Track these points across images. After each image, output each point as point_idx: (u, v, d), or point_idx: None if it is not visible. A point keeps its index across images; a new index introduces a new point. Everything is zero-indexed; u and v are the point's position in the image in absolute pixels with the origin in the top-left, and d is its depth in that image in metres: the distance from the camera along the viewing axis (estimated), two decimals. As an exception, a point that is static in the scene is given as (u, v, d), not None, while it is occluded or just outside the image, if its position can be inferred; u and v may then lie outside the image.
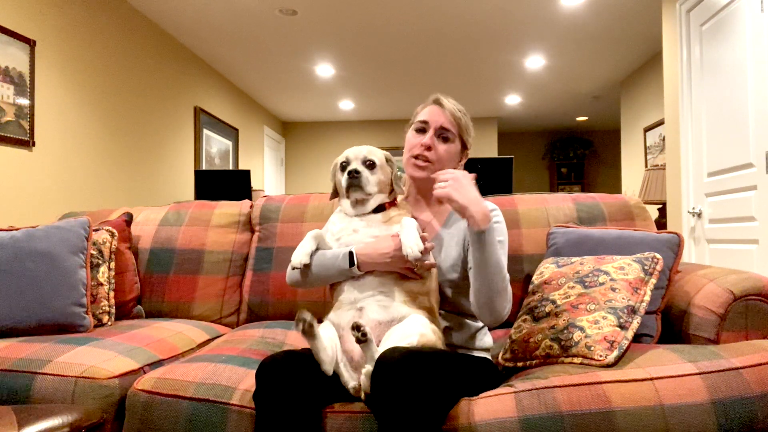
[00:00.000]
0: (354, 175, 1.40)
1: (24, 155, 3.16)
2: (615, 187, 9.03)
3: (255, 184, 7.03)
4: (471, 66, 5.90)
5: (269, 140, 8.06)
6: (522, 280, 1.86)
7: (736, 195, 2.88)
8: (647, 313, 1.49)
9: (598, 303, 1.38)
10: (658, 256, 1.47)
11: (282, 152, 8.75)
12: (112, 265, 1.95)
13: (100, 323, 1.85)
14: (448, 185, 1.26)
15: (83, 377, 1.40)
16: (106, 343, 1.58)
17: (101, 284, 1.89)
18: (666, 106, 3.69)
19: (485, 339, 1.49)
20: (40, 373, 1.42)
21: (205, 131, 5.66)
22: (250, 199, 3.84)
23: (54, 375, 1.41)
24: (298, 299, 2.01)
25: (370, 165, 1.43)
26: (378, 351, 1.18)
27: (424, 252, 1.30)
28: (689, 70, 3.36)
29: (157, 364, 1.57)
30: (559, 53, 5.44)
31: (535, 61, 5.70)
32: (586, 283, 1.44)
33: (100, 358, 1.47)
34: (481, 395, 1.24)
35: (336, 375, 1.29)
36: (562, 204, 1.99)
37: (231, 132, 6.39)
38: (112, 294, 1.92)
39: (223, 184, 4.36)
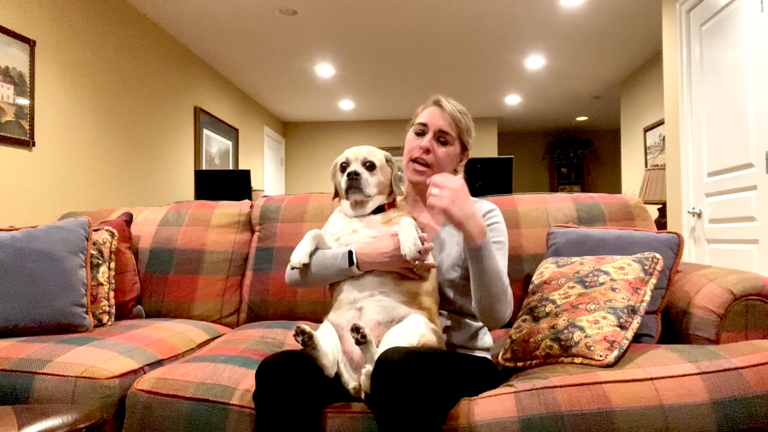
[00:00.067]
0: (353, 177, 1.39)
1: (24, 155, 3.16)
2: (615, 187, 9.03)
3: (255, 184, 7.03)
4: (471, 66, 5.90)
5: (269, 140, 8.06)
6: (522, 280, 1.86)
7: (736, 195, 2.88)
8: (647, 313, 1.49)
9: (598, 303, 1.38)
10: (658, 256, 1.47)
11: (282, 152, 8.75)
12: (112, 265, 1.95)
13: (100, 323, 1.85)
14: (446, 198, 1.23)
15: (83, 377, 1.40)
16: (106, 343, 1.58)
17: (101, 284, 1.89)
18: (666, 106, 3.69)
19: (485, 339, 1.49)
20: (40, 373, 1.42)
21: (205, 131, 5.66)
22: (250, 199, 3.84)
23: (54, 375, 1.41)
24: (298, 299, 2.01)
25: (370, 166, 1.43)
26: (378, 351, 1.18)
27: (423, 252, 1.29)
28: (689, 70, 3.36)
29: (157, 364, 1.57)
30: (559, 53, 5.44)
31: (535, 61, 5.70)
32: (586, 283, 1.44)
33: (100, 358, 1.48)
34: (481, 395, 1.24)
35: (336, 375, 1.29)
36: (562, 204, 1.99)
37: (231, 132, 6.39)
38: (112, 294, 1.92)
39: (223, 184, 4.36)
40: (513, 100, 7.35)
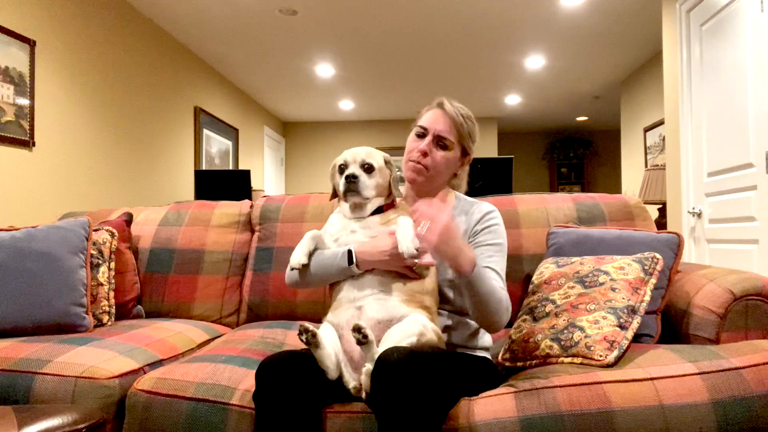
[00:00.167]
0: (351, 180, 1.39)
1: (24, 155, 3.16)
2: (615, 187, 9.02)
3: (255, 184, 7.03)
4: (471, 66, 5.90)
5: (269, 140, 8.06)
6: (522, 280, 1.87)
7: (736, 195, 2.88)
8: (647, 313, 1.49)
9: (598, 303, 1.38)
10: (658, 256, 1.47)
11: (282, 152, 8.75)
12: (112, 265, 1.95)
13: (100, 323, 1.85)
14: (439, 234, 1.20)
15: (83, 377, 1.40)
16: (106, 343, 1.58)
17: (101, 284, 1.89)
18: (666, 106, 3.69)
19: (485, 338, 1.49)
20: (40, 373, 1.42)
21: (205, 131, 5.66)
22: (250, 199, 3.84)
23: (54, 375, 1.41)
24: (298, 299, 2.01)
25: (368, 168, 1.42)
26: (378, 351, 1.18)
27: (420, 250, 1.30)
28: (689, 70, 3.36)
29: (157, 364, 1.57)
30: (559, 53, 5.44)
31: (535, 61, 5.70)
32: (586, 283, 1.44)
33: (100, 358, 1.48)
34: (481, 395, 1.24)
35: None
36: (562, 204, 1.99)
37: (231, 132, 6.39)
38: (112, 294, 1.92)
39: (223, 184, 4.36)
40: (513, 100, 7.35)
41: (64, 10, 3.50)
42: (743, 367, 1.19)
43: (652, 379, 1.18)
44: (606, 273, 1.44)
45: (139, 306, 2.06)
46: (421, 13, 4.48)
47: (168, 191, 4.87)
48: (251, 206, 2.23)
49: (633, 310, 1.35)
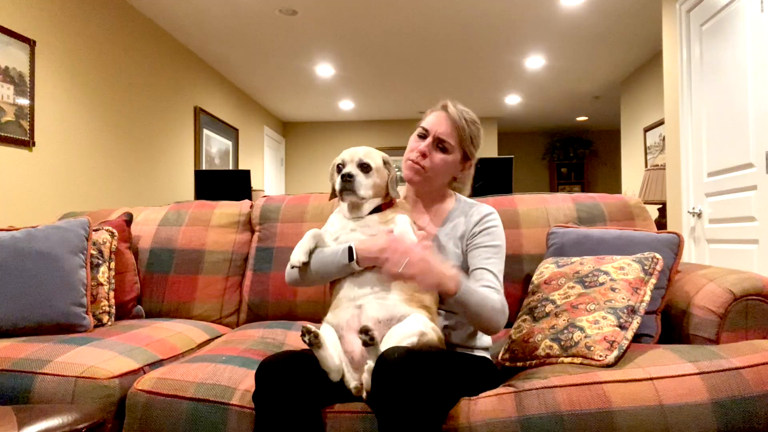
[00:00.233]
0: (347, 179, 1.39)
1: (24, 155, 3.16)
2: (615, 187, 9.02)
3: (255, 184, 7.03)
4: (471, 66, 5.90)
5: (269, 140, 8.06)
6: (522, 280, 1.86)
7: (736, 195, 2.88)
8: (647, 313, 1.49)
9: (598, 303, 1.38)
10: (658, 256, 1.47)
11: (282, 152, 8.75)
12: (112, 265, 1.95)
13: (100, 323, 1.85)
14: (417, 268, 1.21)
15: (83, 377, 1.40)
16: (106, 343, 1.58)
17: (101, 284, 1.89)
18: (666, 106, 3.69)
19: (484, 338, 1.49)
20: (40, 373, 1.42)
21: (205, 131, 5.66)
22: (250, 199, 3.84)
23: (54, 375, 1.41)
24: (298, 299, 2.01)
25: (366, 168, 1.42)
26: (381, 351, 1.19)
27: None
28: (689, 70, 3.36)
29: (157, 364, 1.57)
30: (559, 53, 5.44)
31: (535, 61, 5.70)
32: (586, 283, 1.44)
33: (100, 358, 1.47)
34: (481, 395, 1.24)
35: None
36: (562, 204, 1.99)
37: (231, 132, 6.39)
38: (112, 294, 1.92)
39: (223, 184, 4.35)
40: (513, 100, 7.35)
41: (64, 10, 3.50)
42: (743, 367, 1.19)
43: (652, 379, 1.18)
44: (606, 273, 1.44)
45: (139, 306, 2.06)
46: (421, 13, 4.48)
47: (168, 191, 4.87)
48: (251, 206, 2.23)
49: (633, 310, 1.35)
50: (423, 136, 1.48)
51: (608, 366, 1.25)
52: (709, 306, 1.42)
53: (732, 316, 1.39)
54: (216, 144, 5.96)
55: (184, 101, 5.21)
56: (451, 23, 4.69)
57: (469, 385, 1.27)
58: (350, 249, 1.36)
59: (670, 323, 1.54)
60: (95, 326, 1.82)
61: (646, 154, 5.67)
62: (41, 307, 1.69)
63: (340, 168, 1.45)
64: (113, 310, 1.91)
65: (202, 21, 4.64)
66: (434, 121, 1.48)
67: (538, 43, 5.17)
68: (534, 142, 9.72)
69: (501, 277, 1.40)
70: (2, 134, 2.98)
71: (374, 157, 1.45)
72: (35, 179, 3.25)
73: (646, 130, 5.63)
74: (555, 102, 7.50)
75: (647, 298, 1.39)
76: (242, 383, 1.35)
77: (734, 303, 1.39)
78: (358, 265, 1.36)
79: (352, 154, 1.44)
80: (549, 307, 1.45)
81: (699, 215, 3.24)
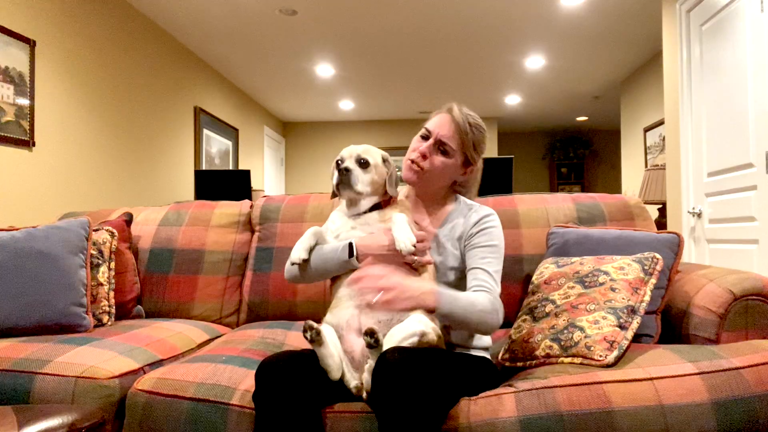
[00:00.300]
0: (344, 173, 1.40)
1: (24, 155, 3.16)
2: (615, 187, 9.02)
3: (255, 184, 7.03)
4: (471, 66, 5.90)
5: (269, 140, 8.06)
6: (522, 280, 1.86)
7: (736, 195, 2.88)
8: (647, 313, 1.49)
9: (598, 303, 1.38)
10: (658, 256, 1.47)
11: (282, 152, 8.75)
12: (112, 265, 1.95)
13: (100, 323, 1.85)
14: (392, 294, 1.21)
15: (83, 377, 1.40)
16: (106, 343, 1.58)
17: (101, 284, 1.89)
18: (666, 106, 3.69)
19: (484, 338, 1.49)
20: (40, 373, 1.42)
21: (205, 131, 5.66)
22: (250, 199, 3.83)
23: (54, 375, 1.41)
24: (298, 299, 2.01)
25: (364, 164, 1.43)
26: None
27: (419, 247, 1.31)
28: (689, 70, 3.36)
29: (157, 364, 1.57)
30: (559, 53, 5.44)
31: (535, 61, 5.70)
32: (586, 283, 1.44)
33: (100, 358, 1.48)
34: (481, 395, 1.24)
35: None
36: (562, 204, 1.99)
37: (231, 132, 6.39)
38: (112, 294, 1.92)
39: (223, 184, 4.35)
40: (513, 100, 7.35)
41: (64, 10, 3.50)
42: (743, 367, 1.19)
43: (652, 379, 1.18)
44: (606, 273, 1.44)
45: (139, 306, 2.06)
46: (421, 12, 4.48)
47: (168, 191, 4.87)
48: (251, 206, 2.23)
49: (633, 310, 1.35)
50: (426, 137, 1.48)
51: (608, 366, 1.25)
52: (709, 306, 1.42)
53: (732, 316, 1.39)
54: (216, 144, 5.96)
55: (184, 101, 5.21)
56: (451, 23, 4.69)
57: (469, 385, 1.27)
58: (350, 245, 1.37)
59: (670, 323, 1.54)
60: (95, 326, 1.82)
61: (646, 154, 5.67)
62: (41, 307, 1.69)
63: (339, 164, 1.45)
64: (113, 310, 1.91)
65: (202, 21, 4.64)
66: (438, 123, 1.47)
67: (538, 43, 5.17)
68: (534, 142, 9.72)
69: (497, 277, 1.38)
70: (2, 134, 2.98)
71: (373, 153, 1.46)
72: (35, 179, 3.25)
73: (646, 130, 5.63)
74: (555, 102, 7.50)
75: (647, 298, 1.39)
76: (242, 383, 1.35)
77: (734, 303, 1.39)
78: (358, 262, 1.36)
79: (351, 150, 1.45)
80: (549, 307, 1.45)
81: (699, 215, 3.24)
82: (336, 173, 1.42)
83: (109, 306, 1.90)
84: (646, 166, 5.60)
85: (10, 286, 1.70)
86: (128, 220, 2.13)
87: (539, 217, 1.96)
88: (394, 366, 1.09)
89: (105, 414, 1.35)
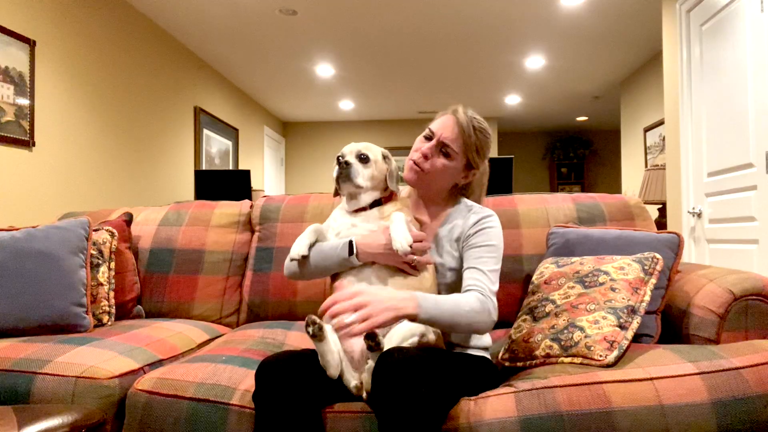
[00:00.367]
0: (344, 167, 1.41)
1: (24, 155, 3.16)
2: (615, 187, 9.03)
3: (255, 184, 7.03)
4: (471, 66, 5.90)
5: (269, 140, 8.06)
6: (522, 280, 1.86)
7: (736, 195, 2.88)
8: (647, 313, 1.49)
9: (598, 303, 1.38)
10: (658, 256, 1.47)
11: (282, 152, 8.76)
12: (112, 265, 1.95)
13: (100, 323, 1.85)
14: (367, 312, 1.13)
15: (83, 377, 1.40)
16: (106, 343, 1.58)
17: (101, 284, 1.89)
18: (666, 106, 3.69)
19: (484, 338, 1.49)
20: (40, 373, 1.42)
21: (205, 131, 5.66)
22: (250, 199, 3.84)
23: (54, 375, 1.41)
24: (298, 299, 2.01)
25: (364, 159, 1.44)
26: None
27: (418, 247, 1.31)
28: (689, 70, 3.36)
29: (157, 364, 1.57)
30: (559, 53, 5.44)
31: (535, 61, 5.70)
32: (586, 283, 1.44)
33: (100, 358, 1.48)
34: (481, 395, 1.24)
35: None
36: (562, 204, 1.99)
37: (231, 132, 6.39)
38: (112, 294, 1.92)
39: (223, 184, 4.35)
40: (513, 100, 7.35)
41: (64, 10, 3.50)
42: (743, 367, 1.19)
43: (652, 379, 1.18)
44: (606, 273, 1.44)
45: (139, 306, 2.06)
46: (421, 12, 4.48)
47: (168, 191, 4.87)
48: (251, 206, 2.23)
49: (633, 310, 1.35)
50: (429, 138, 1.47)
51: (608, 366, 1.25)
52: (709, 306, 1.42)
53: (732, 316, 1.39)
54: (216, 144, 5.96)
55: (184, 101, 5.21)
56: (451, 23, 4.69)
57: (469, 385, 1.27)
58: (350, 243, 1.37)
59: (670, 323, 1.54)
60: (95, 326, 1.82)
61: (646, 154, 5.67)
62: (41, 307, 1.69)
63: (339, 159, 1.46)
64: (113, 310, 1.91)
65: (202, 21, 4.64)
66: (441, 124, 1.46)
67: (538, 43, 5.17)
68: (534, 142, 9.72)
69: (493, 276, 1.36)
70: (2, 134, 2.98)
71: (373, 150, 1.47)
72: (35, 179, 3.25)
73: (646, 130, 5.63)
74: (555, 102, 7.50)
75: (647, 298, 1.39)
76: (242, 383, 1.35)
77: (734, 303, 1.39)
78: (358, 260, 1.36)
79: (352, 147, 1.46)
80: (549, 307, 1.45)
81: (699, 215, 3.24)
82: (336, 167, 1.43)
83: (109, 306, 1.90)
84: (646, 166, 5.60)
85: (10, 286, 1.70)
86: (128, 220, 2.13)
87: (539, 217, 1.96)
88: (395, 366, 1.09)
89: (105, 414, 1.35)
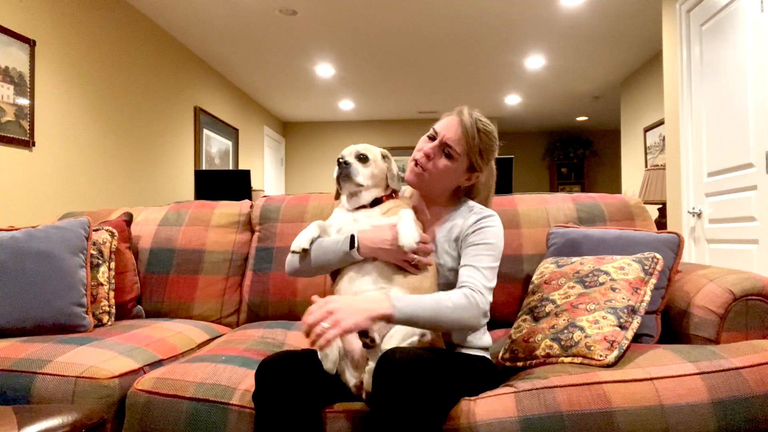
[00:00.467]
0: (344, 166, 1.43)
1: (24, 155, 3.16)
2: (615, 187, 9.03)
3: (255, 184, 7.03)
4: (471, 66, 5.90)
5: (269, 140, 8.06)
6: (522, 280, 1.86)
7: (736, 195, 2.88)
8: (647, 313, 1.49)
9: (598, 303, 1.37)
10: (658, 256, 1.47)
11: (282, 152, 8.75)
12: (112, 265, 1.95)
13: (100, 323, 1.85)
14: (339, 316, 1.12)
15: (83, 377, 1.40)
16: (106, 343, 1.58)
17: (101, 284, 1.89)
18: (666, 106, 3.69)
19: (484, 338, 1.49)
20: (40, 373, 1.42)
21: (205, 131, 5.66)
22: (250, 199, 3.84)
23: (54, 375, 1.41)
24: (298, 299, 2.01)
25: (363, 158, 1.46)
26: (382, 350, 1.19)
27: (423, 248, 1.31)
28: (689, 70, 3.36)
29: (157, 364, 1.57)
30: (559, 53, 5.44)
31: (535, 61, 5.70)
32: (586, 283, 1.44)
33: (100, 358, 1.48)
34: (481, 395, 1.24)
35: (336, 375, 1.29)
36: (562, 204, 1.99)
37: (231, 132, 6.39)
38: (112, 294, 1.92)
39: (223, 184, 4.35)
40: (513, 100, 7.35)
41: (64, 10, 3.50)
42: (743, 367, 1.19)
43: (652, 379, 1.18)
44: (606, 273, 1.44)
45: (139, 306, 2.06)
46: (421, 12, 4.48)
47: (168, 191, 4.87)
48: (251, 206, 2.23)
49: (633, 310, 1.35)
50: (432, 138, 1.47)
51: (608, 366, 1.25)
52: (709, 306, 1.42)
53: (732, 316, 1.39)
54: (216, 144, 5.96)
55: (184, 101, 5.21)
56: (451, 23, 4.69)
57: (469, 385, 1.27)
58: (352, 237, 1.37)
59: (670, 323, 1.54)
60: (95, 326, 1.82)
61: (646, 154, 5.67)
62: (41, 307, 1.69)
63: (339, 161, 1.47)
64: (113, 310, 1.91)
65: (202, 21, 4.64)
66: (445, 125, 1.45)
67: (538, 43, 5.17)
68: (534, 142, 9.72)
69: (488, 273, 1.34)
70: (2, 134, 2.98)
71: (372, 150, 1.48)
72: (35, 179, 3.25)
73: (646, 130, 5.63)
74: (555, 102, 7.50)
75: (647, 298, 1.39)
76: (242, 383, 1.35)
77: (734, 303, 1.39)
78: (359, 254, 1.36)
79: (350, 148, 1.48)
80: (549, 307, 1.45)
81: (699, 215, 3.24)
82: (337, 168, 1.45)
83: (109, 306, 1.90)
84: (646, 166, 5.60)
85: (10, 286, 1.70)
86: (128, 220, 2.13)
87: (539, 217, 1.96)
88: (395, 366, 1.09)
89: (105, 414, 1.35)
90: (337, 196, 1.55)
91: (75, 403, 1.37)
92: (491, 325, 1.52)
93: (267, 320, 2.02)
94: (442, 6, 4.34)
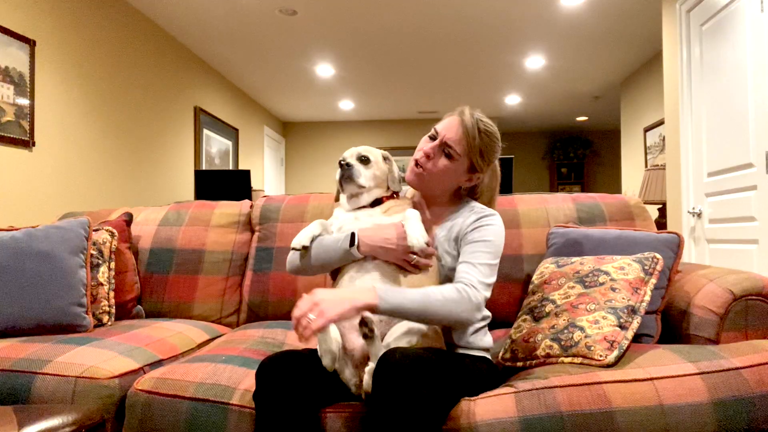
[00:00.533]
0: (345, 168, 1.43)
1: (24, 155, 3.16)
2: (615, 187, 9.02)
3: (255, 184, 7.03)
4: (471, 66, 5.90)
5: (269, 140, 8.06)
6: (522, 280, 1.87)
7: (736, 195, 2.88)
8: (647, 313, 1.49)
9: (598, 303, 1.38)
10: (658, 256, 1.47)
11: (282, 152, 8.75)
12: (112, 265, 1.95)
13: (100, 323, 1.86)
14: (323, 307, 1.14)
15: (83, 377, 1.40)
16: (106, 343, 1.58)
17: (101, 284, 1.90)
18: (666, 106, 3.69)
19: (485, 339, 1.49)
20: (40, 373, 1.42)
21: (205, 131, 5.66)
22: (250, 199, 3.84)
23: (54, 375, 1.41)
24: (298, 299, 2.00)
25: (365, 160, 1.46)
26: (382, 349, 1.19)
27: (426, 250, 1.31)
28: (689, 70, 3.36)
29: (157, 364, 1.57)
30: (559, 53, 5.44)
31: (535, 61, 5.70)
32: (586, 283, 1.44)
33: (100, 358, 1.48)
34: (482, 395, 1.24)
35: (336, 375, 1.29)
36: (562, 204, 1.99)
37: (231, 132, 6.39)
38: (112, 294, 1.92)
39: (223, 184, 4.36)
40: (513, 100, 7.35)
41: (64, 10, 3.50)
42: (743, 367, 1.19)
43: (652, 379, 1.18)
44: (606, 273, 1.44)
45: (139, 306, 2.06)
46: (421, 12, 4.48)
47: (168, 191, 4.87)
48: (251, 206, 2.23)
49: (633, 310, 1.35)
50: (433, 138, 1.47)
51: (608, 366, 1.25)
52: (709, 306, 1.42)
53: (732, 316, 1.39)
54: (216, 144, 5.96)
55: (184, 101, 5.21)
56: (451, 23, 4.69)
57: (469, 385, 1.27)
58: (352, 235, 1.36)
59: (670, 323, 1.54)
60: (95, 326, 1.82)
61: (646, 154, 5.67)
62: (41, 307, 1.69)
63: (341, 163, 1.47)
64: (113, 310, 1.91)
65: (202, 21, 4.64)
66: (446, 125, 1.45)
67: (538, 43, 5.17)
68: (534, 142, 9.72)
69: (484, 269, 1.33)
70: (2, 134, 2.98)
71: (373, 152, 1.49)
72: (35, 179, 3.25)
73: (646, 130, 5.63)
74: (555, 102, 7.50)
75: (647, 298, 1.39)
76: (242, 383, 1.35)
77: (734, 303, 1.39)
78: (359, 252, 1.36)
79: (352, 150, 1.49)
80: (549, 307, 1.45)
81: (699, 215, 3.24)
82: (338, 170, 1.45)
83: (109, 306, 1.90)
84: (646, 166, 5.60)
85: (10, 286, 1.70)
86: (128, 220, 2.13)
87: (539, 217, 1.96)
88: (396, 367, 1.09)
89: (105, 414, 1.35)
90: (337, 198, 1.55)
91: (75, 403, 1.37)
92: (491, 326, 1.52)
93: (267, 320, 2.02)
94: (442, 6, 4.34)
